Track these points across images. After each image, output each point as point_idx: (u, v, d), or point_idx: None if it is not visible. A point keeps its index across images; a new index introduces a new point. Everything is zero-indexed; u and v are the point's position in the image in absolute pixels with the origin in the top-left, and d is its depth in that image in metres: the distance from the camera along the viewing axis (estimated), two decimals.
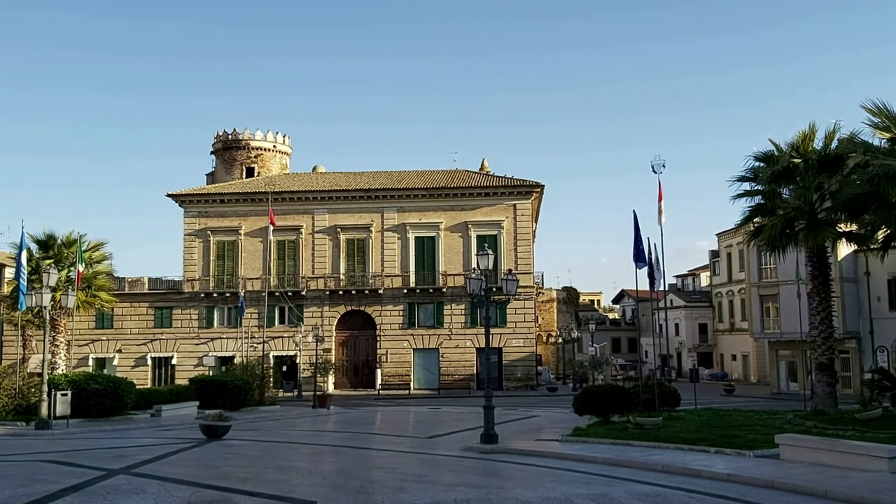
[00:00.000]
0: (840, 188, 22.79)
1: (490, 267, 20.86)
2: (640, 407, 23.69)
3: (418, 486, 13.43)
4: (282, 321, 53.13)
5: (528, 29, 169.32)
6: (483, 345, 50.80)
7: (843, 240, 25.73)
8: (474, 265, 49.26)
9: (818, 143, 24.30)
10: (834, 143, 23.87)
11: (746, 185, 25.58)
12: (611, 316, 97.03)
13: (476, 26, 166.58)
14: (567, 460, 17.10)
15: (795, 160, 23.94)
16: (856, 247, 33.00)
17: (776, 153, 24.70)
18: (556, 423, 26.16)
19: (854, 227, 24.78)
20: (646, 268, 25.66)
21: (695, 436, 19.10)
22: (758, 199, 25.50)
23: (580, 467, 15.97)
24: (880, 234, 23.73)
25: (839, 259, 43.34)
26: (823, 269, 24.85)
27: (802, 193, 24.06)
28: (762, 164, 25.02)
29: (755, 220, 26.29)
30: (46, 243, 39.20)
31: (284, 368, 51.91)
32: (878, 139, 21.82)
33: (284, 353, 52.35)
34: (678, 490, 13.02)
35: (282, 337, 52.01)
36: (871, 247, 26.05)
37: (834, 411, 22.78)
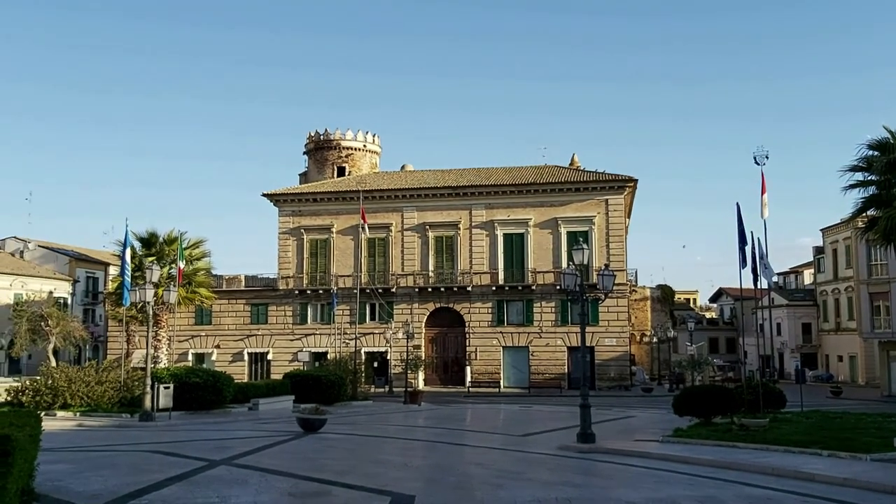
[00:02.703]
0: None
1: (585, 262, 20.33)
2: (744, 408, 22.76)
3: (516, 483, 13.16)
4: (372, 318, 53.67)
5: (625, 24, 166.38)
6: (574, 343, 50.60)
7: None
8: (565, 262, 48.62)
9: None
10: None
11: (859, 176, 24.31)
12: (708, 315, 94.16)
13: (568, 20, 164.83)
14: (668, 461, 16.50)
15: None
16: None
17: (892, 141, 23.25)
18: (654, 424, 25.41)
19: None
20: (749, 263, 24.61)
21: (805, 438, 18.14)
22: (871, 190, 24.10)
23: (683, 469, 15.39)
24: None
25: None
26: None
27: None
28: (876, 153, 23.65)
29: (868, 212, 24.82)
30: (149, 241, 40.73)
31: (375, 364, 52.43)
32: None
33: (375, 350, 52.90)
34: (791, 494, 12.36)
35: (373, 333, 52.55)
36: None
37: None
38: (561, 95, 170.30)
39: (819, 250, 67.68)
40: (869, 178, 24.00)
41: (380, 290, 52.92)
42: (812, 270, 72.72)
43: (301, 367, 44.02)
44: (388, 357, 51.08)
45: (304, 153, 72.58)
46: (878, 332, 50.90)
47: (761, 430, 19.61)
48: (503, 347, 52.72)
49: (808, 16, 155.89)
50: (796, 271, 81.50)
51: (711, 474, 14.56)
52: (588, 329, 21.74)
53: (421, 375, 50.35)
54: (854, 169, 24.13)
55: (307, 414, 22.20)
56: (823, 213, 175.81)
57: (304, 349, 53.48)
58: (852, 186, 24.33)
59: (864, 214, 25.49)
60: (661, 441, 19.70)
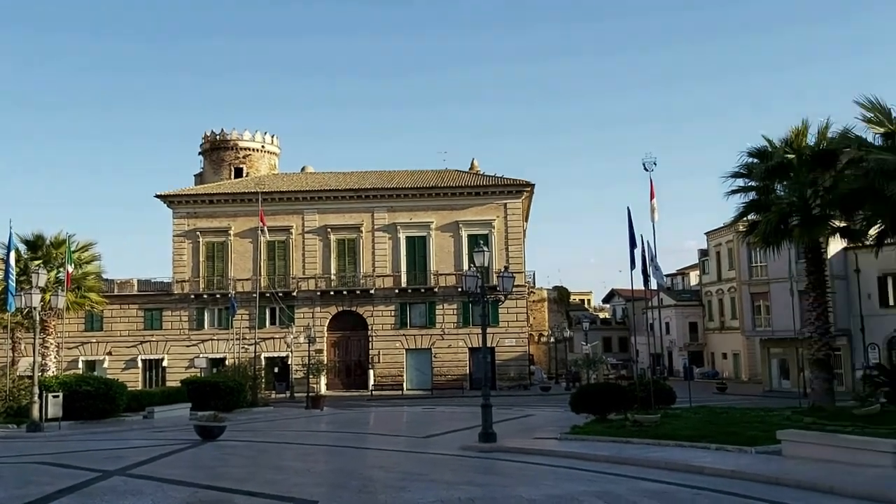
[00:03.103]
0: (834, 183, 22.88)
1: (486, 264, 20.73)
2: (637, 405, 23.63)
3: (420, 484, 13.28)
4: (273, 322, 52.81)
5: (519, 33, 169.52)
6: (476, 344, 51.14)
7: (837, 236, 25.78)
8: (466, 264, 49.25)
9: (811, 139, 24.35)
10: (828, 139, 23.90)
11: (740, 182, 25.62)
12: (601, 315, 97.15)
13: (468, 32, 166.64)
14: (567, 458, 16.97)
15: (789, 156, 23.99)
16: (846, 244, 33.15)
17: (770, 149, 24.72)
18: (553, 422, 26.05)
19: (848, 223, 24.78)
20: (639, 266, 25.56)
21: (695, 433, 19.01)
22: (752, 196, 25.51)
23: (581, 465, 15.85)
24: (874, 230, 23.78)
25: (829, 257, 43.58)
26: (818, 266, 24.90)
27: (796, 189, 24.10)
28: (756, 161, 25.05)
29: (749, 216, 26.25)
30: (35, 244, 38.76)
31: (276, 370, 51.60)
32: (871, 134, 21.88)
33: (276, 355, 52.06)
34: (683, 487, 12.92)
35: (273, 338, 51.70)
36: (865, 243, 26.08)
37: (832, 407, 22.78)
38: (460, 100, 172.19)
39: (704, 253, 70.84)
40: (749, 184, 25.39)
41: (280, 294, 52.12)
42: (698, 272, 76.07)
43: (198, 374, 42.95)
44: (290, 362, 50.37)
45: (200, 153, 70.59)
46: (759, 331, 53.74)
47: (653, 425, 20.42)
48: (406, 350, 52.88)
49: (695, 18, 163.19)
50: (683, 273, 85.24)
51: (608, 469, 15.06)
52: (489, 330, 22.14)
53: (323, 380, 49.84)
54: (736, 175, 25.48)
55: (205, 421, 21.70)
56: (708, 217, 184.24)
57: (202, 355, 52.10)
58: (734, 192, 25.69)
59: (745, 219, 26.88)
60: (559, 438, 20.25)
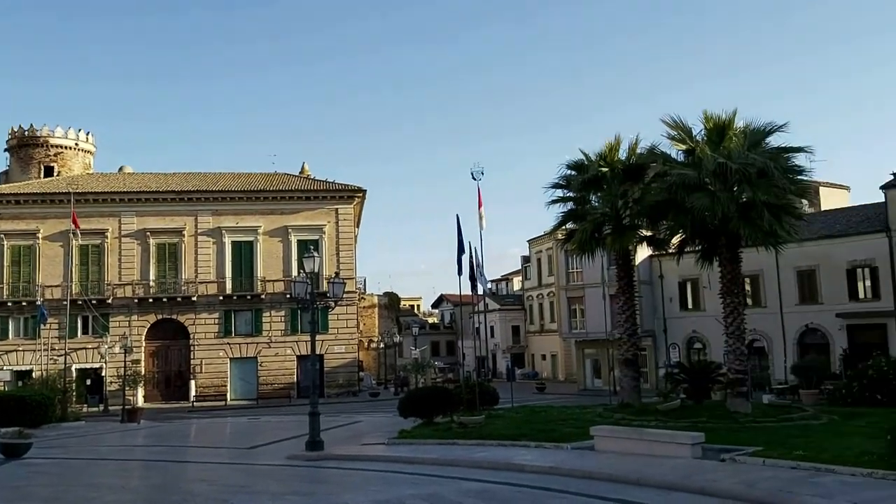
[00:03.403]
0: (642, 195, 24.64)
1: (316, 269, 20.53)
2: (463, 407, 24.30)
3: (244, 496, 13.02)
4: (85, 331, 49.41)
5: (341, 31, 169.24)
6: (304, 351, 50.39)
7: (645, 244, 27.78)
8: (295, 270, 48.44)
9: (623, 154, 26.11)
10: (637, 154, 25.74)
11: (560, 192, 26.98)
12: (430, 320, 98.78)
13: (289, 35, 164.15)
14: (394, 462, 17.19)
15: (603, 169, 25.57)
16: (652, 252, 35.79)
17: (586, 162, 26.25)
18: (381, 428, 26.22)
19: (654, 232, 26.74)
20: (467, 272, 26.32)
21: (516, 432, 19.87)
22: (570, 206, 26.95)
23: (408, 469, 16.11)
24: (676, 239, 25.87)
25: (636, 263, 46.89)
26: (628, 272, 26.73)
27: (609, 200, 25.73)
28: (574, 173, 26.50)
29: (567, 224, 27.70)
30: None
31: (89, 382, 48.27)
32: (675, 150, 23.84)
33: (89, 366, 48.64)
34: (505, 485, 13.47)
35: (86, 348, 48.38)
36: (668, 251, 28.27)
37: (638, 404, 24.51)
38: (290, 102, 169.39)
39: (526, 259, 74.06)
40: (568, 194, 26.85)
41: (94, 302, 48.86)
42: (520, 278, 79.40)
43: (2, 388, 39.44)
44: (104, 373, 47.33)
45: (6, 150, 64.97)
46: (574, 333, 56.84)
47: (478, 426, 21.12)
48: (230, 359, 51.19)
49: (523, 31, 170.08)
50: (507, 279, 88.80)
51: (435, 472, 15.41)
52: (318, 337, 21.97)
53: (140, 392, 47.22)
54: (555, 186, 26.85)
55: (9, 438, 20.00)
56: (531, 226, 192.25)
57: (5, 368, 47.93)
58: (554, 202, 27.06)
59: (563, 227, 28.34)
60: (387, 443, 20.46)
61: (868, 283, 40.35)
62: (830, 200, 49.69)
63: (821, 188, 47.88)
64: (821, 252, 41.38)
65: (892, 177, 38.90)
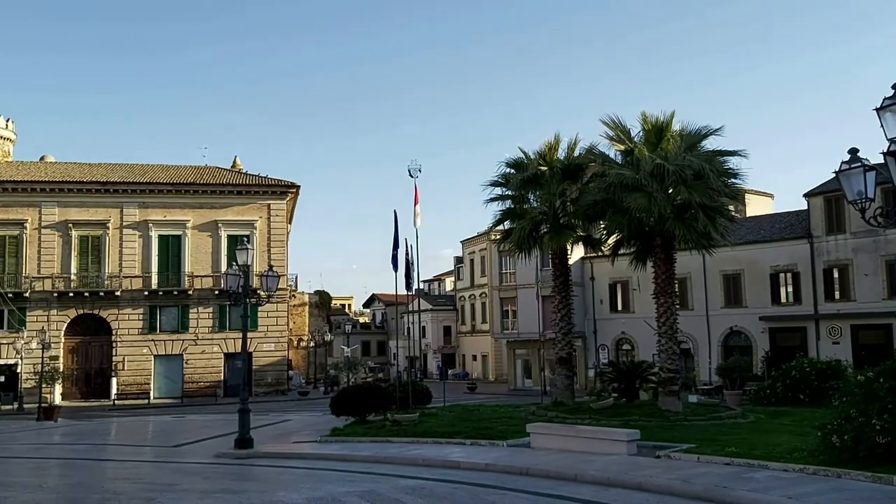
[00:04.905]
0: (580, 195, 24.75)
1: (249, 262, 19.92)
2: (396, 405, 24.06)
3: (171, 495, 12.45)
4: (0, 326, 47.18)
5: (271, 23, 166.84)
6: (232, 349, 49.30)
7: (581, 243, 27.96)
8: (225, 265, 47.25)
9: (562, 153, 26.23)
10: (576, 153, 25.90)
11: (498, 190, 26.97)
12: (361, 320, 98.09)
13: (224, 35, 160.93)
14: (327, 460, 16.81)
15: (542, 168, 25.64)
16: (587, 252, 36.13)
17: (525, 161, 26.28)
18: (311, 426, 25.71)
19: (590, 232, 26.93)
20: (402, 269, 26.05)
21: (451, 430, 19.69)
22: (508, 204, 26.93)
23: (342, 466, 15.76)
24: (612, 239, 26.12)
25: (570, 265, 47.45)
26: (564, 271, 26.87)
27: (548, 199, 25.75)
28: (513, 171, 26.51)
29: (505, 223, 27.67)
30: None
31: (3, 379, 46.08)
32: (613, 151, 24.04)
33: (3, 362, 46.43)
34: (441, 482, 13.24)
35: (0, 343, 46.20)
36: (603, 252, 28.50)
37: (572, 402, 24.65)
38: (219, 96, 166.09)
39: (459, 260, 74.19)
40: (507, 192, 26.85)
41: (10, 295, 46.60)
42: (453, 278, 79.49)
43: None
44: (19, 370, 45.25)
45: None
46: (506, 333, 57.17)
47: (412, 424, 20.88)
48: (155, 356, 49.57)
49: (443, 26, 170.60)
50: (439, 279, 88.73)
51: (369, 469, 15.09)
52: (248, 334, 21.33)
53: (58, 389, 45.30)
54: (494, 184, 26.83)
55: None
56: (464, 226, 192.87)
57: None
58: (492, 200, 27.04)
59: (501, 225, 28.35)
60: (319, 441, 20.05)
61: (790, 287, 41.70)
62: (755, 207, 51.26)
63: (747, 194, 49.32)
64: (746, 257, 42.59)
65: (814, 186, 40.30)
